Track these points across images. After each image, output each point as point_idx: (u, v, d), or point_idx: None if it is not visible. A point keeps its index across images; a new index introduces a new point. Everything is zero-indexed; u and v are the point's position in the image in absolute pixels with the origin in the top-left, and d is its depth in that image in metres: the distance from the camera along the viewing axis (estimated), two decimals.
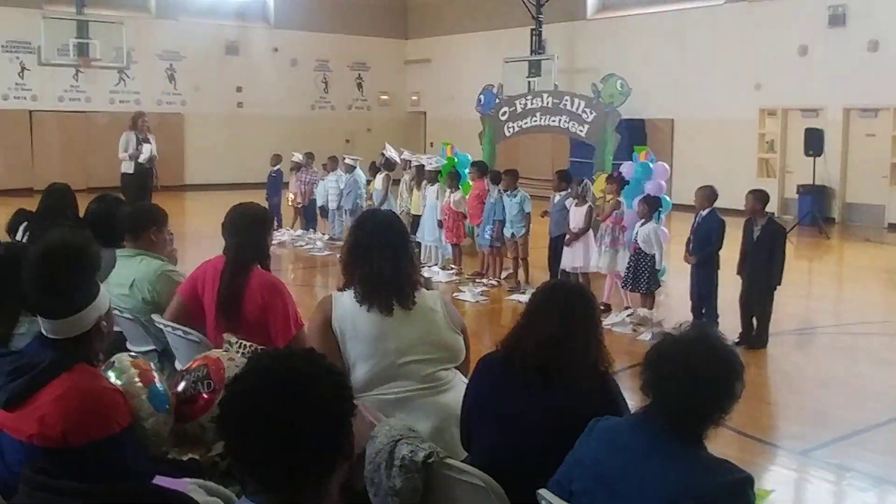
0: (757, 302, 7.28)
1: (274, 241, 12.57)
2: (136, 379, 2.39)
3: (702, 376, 2.09)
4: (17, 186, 17.59)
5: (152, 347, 3.84)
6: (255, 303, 3.49)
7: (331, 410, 1.56)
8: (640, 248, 7.83)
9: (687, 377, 2.09)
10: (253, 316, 3.47)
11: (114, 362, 2.44)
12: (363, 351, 2.98)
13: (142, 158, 12.68)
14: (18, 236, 4.90)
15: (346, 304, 3.03)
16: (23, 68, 19.26)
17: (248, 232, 3.64)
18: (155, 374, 2.49)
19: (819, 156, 15.29)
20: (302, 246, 12.60)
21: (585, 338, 2.67)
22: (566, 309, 2.68)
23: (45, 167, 18.17)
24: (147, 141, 12.84)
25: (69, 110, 19.83)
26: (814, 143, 15.28)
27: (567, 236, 8.70)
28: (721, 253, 7.46)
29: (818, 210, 15.19)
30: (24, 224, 5.03)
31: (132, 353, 2.57)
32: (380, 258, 3.01)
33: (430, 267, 10.47)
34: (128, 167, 12.77)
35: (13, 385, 2.13)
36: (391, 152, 12.34)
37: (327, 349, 2.94)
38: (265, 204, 13.56)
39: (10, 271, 2.37)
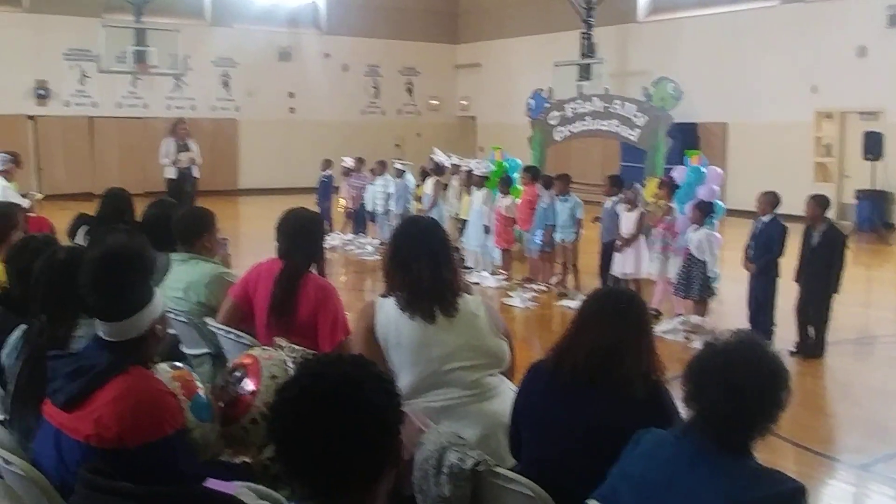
0: (814, 310, 7.11)
1: (326, 246, 12.81)
2: (179, 391, 2.41)
3: (744, 386, 2.03)
4: (78, 190, 18.04)
5: (206, 350, 3.89)
6: (308, 305, 3.52)
7: (379, 417, 1.56)
8: (692, 254, 7.71)
9: (729, 387, 2.03)
10: (305, 318, 3.51)
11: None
12: (407, 359, 2.97)
13: (180, 164, 13.15)
14: (78, 239, 5.02)
15: (388, 311, 3.03)
16: (83, 76, 19.77)
17: (306, 237, 3.69)
18: (198, 385, 2.51)
19: (878, 160, 14.86)
20: (352, 250, 12.70)
21: (637, 346, 2.62)
22: (617, 317, 2.63)
23: (105, 172, 18.65)
24: (186, 147, 13.14)
25: (128, 116, 20.28)
26: (873, 146, 14.85)
27: (618, 242, 8.61)
28: (780, 260, 7.28)
29: (877, 215, 14.78)
30: (84, 228, 5.16)
31: (175, 364, 2.59)
32: (420, 266, 3.00)
33: (478, 272, 10.45)
34: (171, 173, 13.27)
35: (71, 386, 2.17)
36: (440, 157, 12.37)
37: (372, 356, 2.94)
38: (316, 208, 13.78)
39: (70, 275, 2.43)
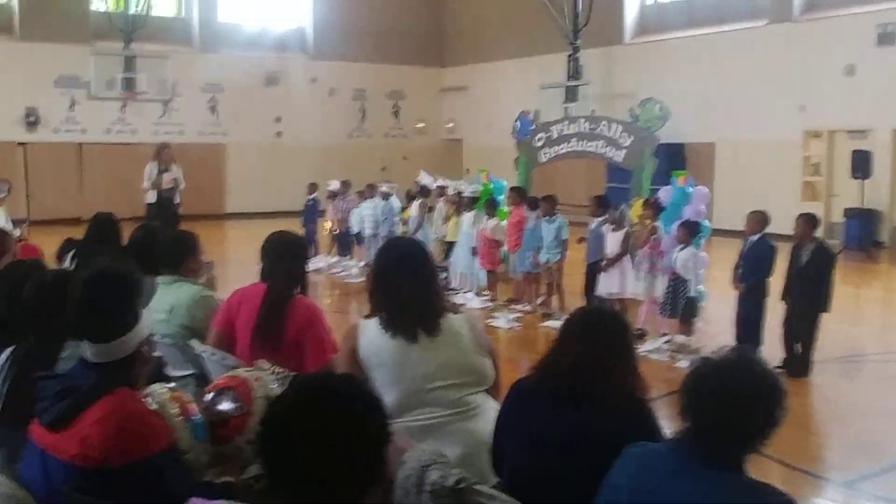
0: (801, 328, 7.14)
1: (310, 269, 12.79)
2: (176, 411, 2.44)
3: (741, 401, 2.06)
4: (67, 216, 18.04)
5: (191, 371, 3.90)
6: (295, 325, 3.56)
7: (368, 434, 1.59)
8: (678, 274, 7.75)
9: (726, 401, 2.06)
10: (292, 338, 3.54)
11: (150, 395, 2.50)
12: (389, 378, 2.99)
13: (161, 186, 13.02)
14: (66, 263, 5.07)
15: (371, 332, 3.06)
16: (73, 102, 19.83)
17: (290, 258, 3.73)
18: (193, 406, 2.54)
19: (867, 178, 14.86)
20: (338, 272, 12.70)
21: (619, 364, 2.65)
22: (600, 335, 2.67)
23: (93, 197, 18.68)
24: (168, 171, 13.13)
25: (116, 142, 20.33)
26: (861, 165, 14.86)
27: (603, 262, 8.65)
28: (769, 279, 7.29)
29: (866, 234, 14.75)
30: (72, 252, 5.20)
31: (169, 385, 2.62)
32: (403, 286, 3.04)
33: (464, 293, 10.47)
34: (151, 197, 13.10)
35: (57, 407, 2.21)
36: (426, 179, 12.43)
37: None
38: (302, 231, 13.79)
39: (57, 297, 2.48)
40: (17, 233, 8.21)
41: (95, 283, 2.34)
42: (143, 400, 2.39)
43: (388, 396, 2.97)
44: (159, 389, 2.53)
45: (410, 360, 2.99)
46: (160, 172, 13.13)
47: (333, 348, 3.56)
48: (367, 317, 3.15)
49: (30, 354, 2.63)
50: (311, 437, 1.53)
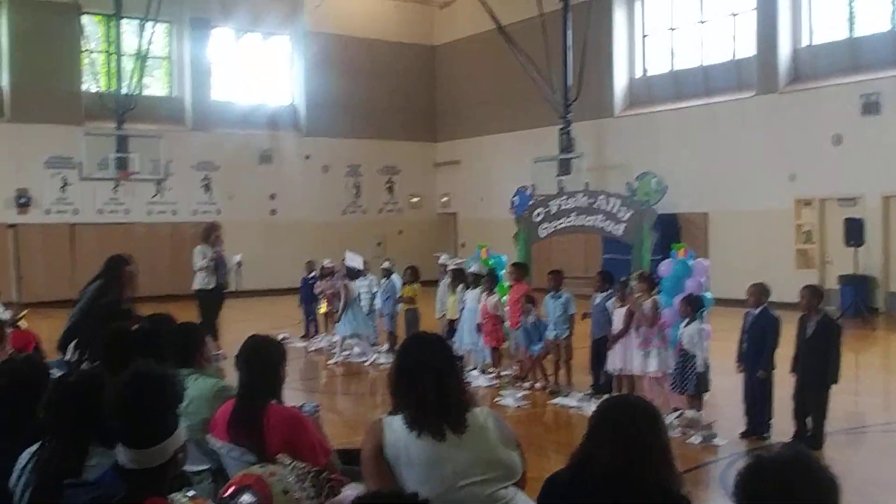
0: (811, 401, 7.06)
1: (311, 349, 12.63)
2: None
3: (799, 500, 2.01)
4: (59, 298, 17.82)
5: (207, 466, 3.80)
6: (278, 437, 3.45)
7: None
8: (685, 350, 7.68)
9: (784, 500, 2.01)
10: (278, 451, 3.40)
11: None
12: (419, 477, 2.92)
13: (232, 264, 11.94)
14: (69, 355, 4.97)
15: (396, 430, 3.00)
16: (65, 183, 19.87)
17: (261, 366, 3.63)
18: None
19: (860, 246, 14.98)
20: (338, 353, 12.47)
21: (656, 457, 2.57)
22: (634, 427, 2.59)
23: (86, 279, 18.34)
24: (219, 254, 12.02)
25: (109, 222, 20.29)
26: (854, 232, 15.00)
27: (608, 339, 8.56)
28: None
29: (861, 300, 14.83)
30: (74, 342, 5.11)
31: (189, 494, 2.53)
32: (426, 384, 3.00)
33: (469, 371, 10.32)
34: (206, 282, 11.61)
35: None
36: (354, 262, 12.39)
37: (382, 475, 2.92)
38: (299, 310, 13.66)
39: (82, 399, 2.45)
40: (7, 315, 8.11)
41: (139, 386, 2.27)
42: None
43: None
44: (181, 499, 2.44)
45: (440, 458, 2.93)
46: (219, 254, 11.85)
47: (326, 452, 3.52)
48: (391, 413, 3.08)
49: (54, 459, 2.53)
50: None
